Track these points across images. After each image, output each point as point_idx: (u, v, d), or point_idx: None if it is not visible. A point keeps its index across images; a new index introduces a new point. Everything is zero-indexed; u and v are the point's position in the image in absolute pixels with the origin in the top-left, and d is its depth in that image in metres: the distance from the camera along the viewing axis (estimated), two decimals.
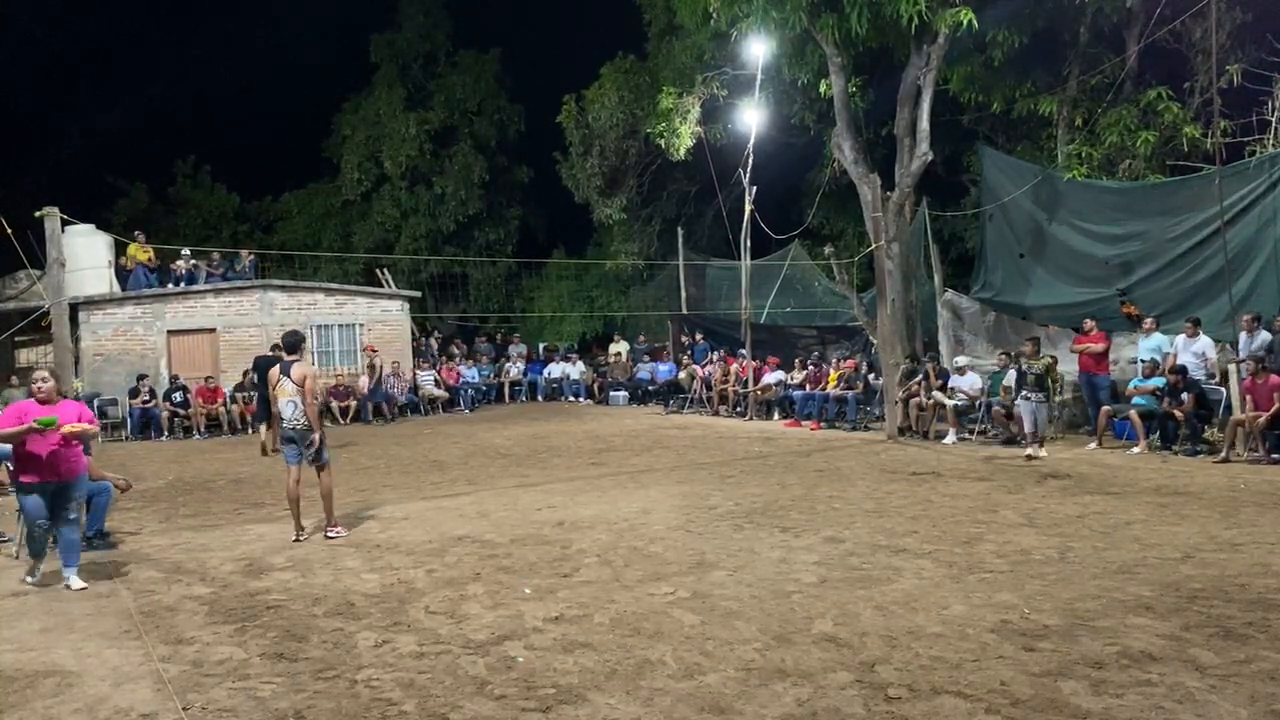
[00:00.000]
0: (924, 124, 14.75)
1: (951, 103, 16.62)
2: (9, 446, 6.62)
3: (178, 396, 17.26)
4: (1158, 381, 11.80)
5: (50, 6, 28.09)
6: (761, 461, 11.59)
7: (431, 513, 8.82)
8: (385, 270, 23.17)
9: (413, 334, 21.05)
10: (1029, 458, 10.95)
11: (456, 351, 22.16)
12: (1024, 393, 11.43)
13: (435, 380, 20.25)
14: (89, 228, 18.25)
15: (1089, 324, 13.08)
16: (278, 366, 7.96)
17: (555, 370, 22.42)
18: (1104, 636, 4.79)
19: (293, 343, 8.08)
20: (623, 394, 20.73)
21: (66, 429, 6.40)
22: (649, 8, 22.87)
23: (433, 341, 22.58)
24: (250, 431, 16.92)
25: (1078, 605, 5.32)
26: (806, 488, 9.54)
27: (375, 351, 19.26)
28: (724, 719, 4.01)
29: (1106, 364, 12.79)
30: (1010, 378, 12.64)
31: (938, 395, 13.40)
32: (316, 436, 7.79)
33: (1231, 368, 11.05)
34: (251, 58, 32.07)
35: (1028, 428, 11.32)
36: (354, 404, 18.42)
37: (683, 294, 22.60)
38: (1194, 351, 11.83)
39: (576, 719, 4.07)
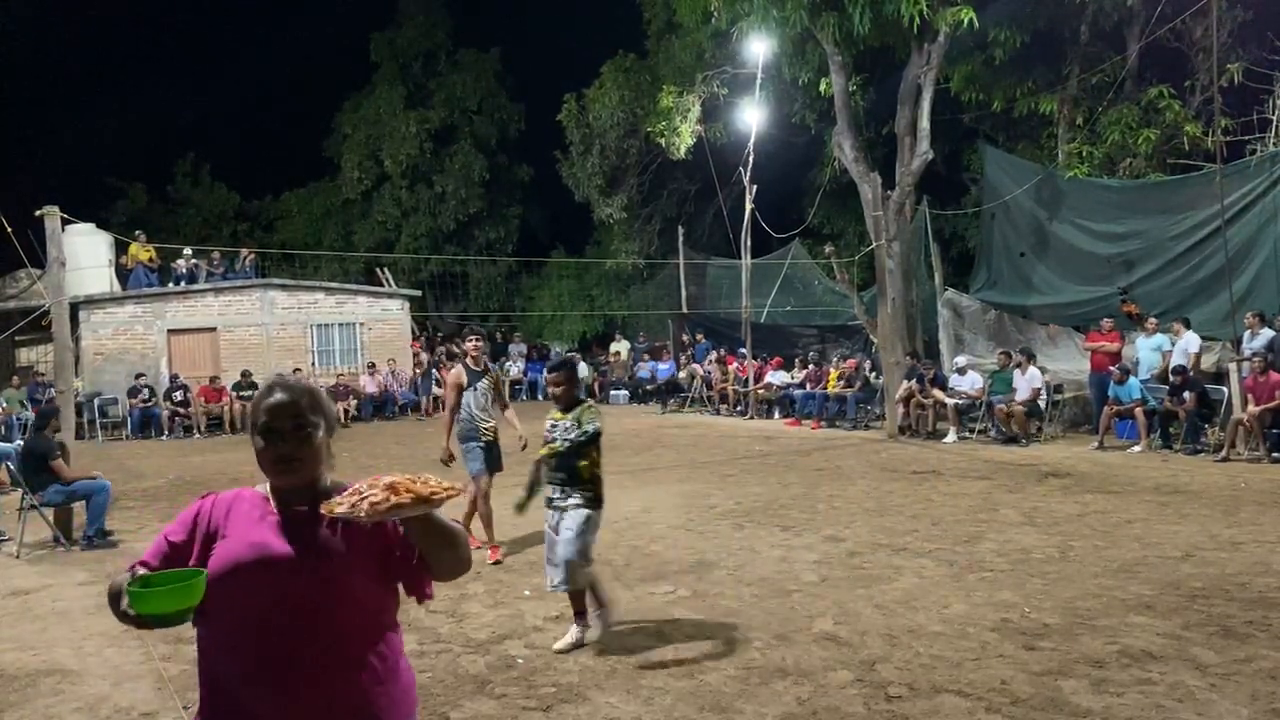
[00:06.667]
0: (924, 123, 14.74)
1: (952, 101, 16.62)
2: (10, 445, 6.25)
3: (178, 396, 17.25)
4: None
5: (51, 6, 28.08)
6: (762, 460, 11.59)
7: None
8: (385, 269, 23.18)
9: (413, 333, 21.04)
10: (573, 645, 4.93)
11: (457, 351, 22.14)
12: (548, 488, 5.60)
13: (435, 379, 20.23)
14: (89, 227, 18.27)
15: (1107, 323, 13.05)
16: None
17: None
18: (1104, 635, 4.78)
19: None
20: (623, 393, 20.73)
21: None
22: (649, 6, 22.83)
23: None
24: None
25: (1078, 604, 5.32)
26: (807, 486, 9.54)
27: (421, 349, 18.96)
28: (724, 718, 4.00)
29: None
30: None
31: (938, 394, 13.39)
32: (445, 446, 6.98)
33: (1232, 366, 11.04)
34: (252, 56, 32.14)
35: (554, 577, 5.17)
36: (354, 403, 18.40)
37: (683, 293, 22.57)
38: (1180, 349, 11.84)
39: (577, 718, 4.07)
